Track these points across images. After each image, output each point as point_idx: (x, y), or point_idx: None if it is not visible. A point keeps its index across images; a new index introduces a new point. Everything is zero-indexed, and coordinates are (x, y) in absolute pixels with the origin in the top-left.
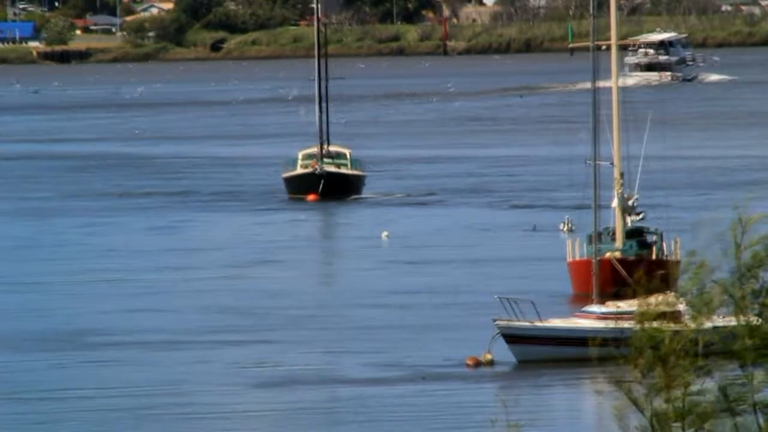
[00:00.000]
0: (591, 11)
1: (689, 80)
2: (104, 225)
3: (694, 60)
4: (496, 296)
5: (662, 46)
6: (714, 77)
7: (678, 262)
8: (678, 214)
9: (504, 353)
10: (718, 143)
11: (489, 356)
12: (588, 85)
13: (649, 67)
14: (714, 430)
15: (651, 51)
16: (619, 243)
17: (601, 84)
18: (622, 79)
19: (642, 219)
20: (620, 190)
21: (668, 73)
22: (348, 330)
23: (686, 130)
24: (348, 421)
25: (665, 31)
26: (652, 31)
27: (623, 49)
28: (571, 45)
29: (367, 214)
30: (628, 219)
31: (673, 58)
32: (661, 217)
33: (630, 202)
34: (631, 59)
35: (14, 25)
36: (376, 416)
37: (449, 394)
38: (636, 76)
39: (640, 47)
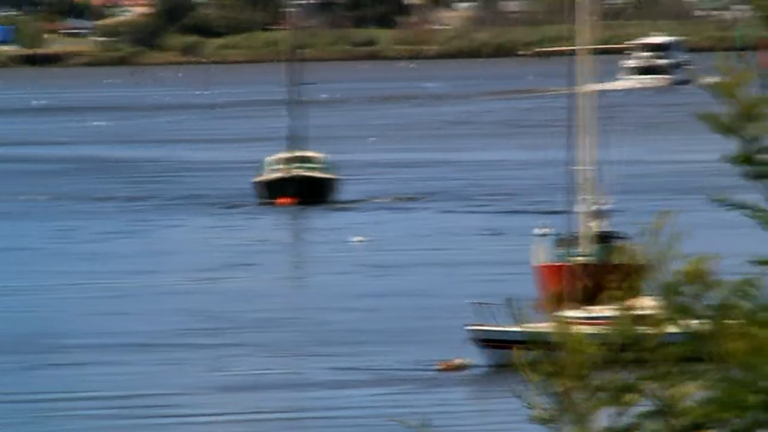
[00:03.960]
0: (568, 16)
1: (684, 83)
2: (73, 229)
3: (690, 63)
4: (470, 301)
5: (660, 49)
6: (709, 80)
7: (646, 267)
8: (648, 219)
9: (477, 357)
10: (700, 147)
11: (461, 360)
12: (581, 89)
13: (647, 71)
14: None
15: (648, 54)
16: (586, 248)
17: (590, 88)
18: (621, 82)
19: (605, 224)
20: (589, 195)
21: (667, 77)
22: (319, 333)
23: (674, 134)
24: (317, 426)
25: (662, 35)
26: (636, 36)
27: (619, 52)
28: (541, 49)
29: (340, 218)
30: (597, 224)
31: (671, 62)
32: (631, 222)
33: (599, 207)
34: (629, 62)
35: None
36: (344, 420)
37: (420, 398)
38: (633, 79)
39: (640, 51)
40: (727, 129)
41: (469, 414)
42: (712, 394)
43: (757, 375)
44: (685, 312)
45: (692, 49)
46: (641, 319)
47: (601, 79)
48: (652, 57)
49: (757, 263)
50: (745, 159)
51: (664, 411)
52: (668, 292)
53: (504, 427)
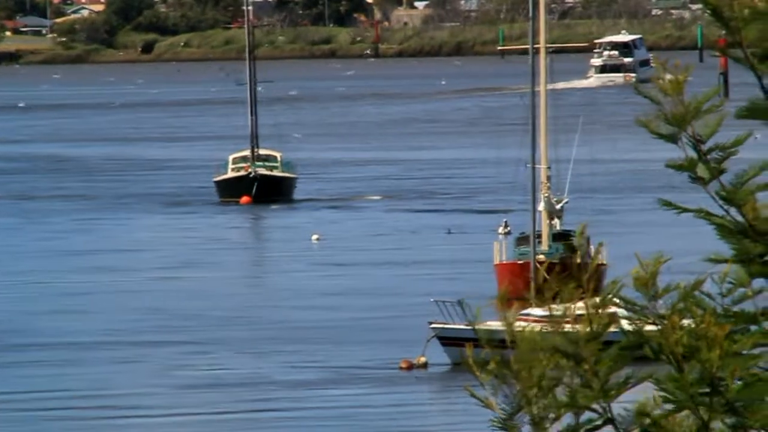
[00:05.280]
0: (529, 14)
1: (648, 81)
2: (31, 226)
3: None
4: (431, 299)
5: (626, 47)
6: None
7: (604, 266)
8: (606, 218)
9: (439, 356)
10: (662, 145)
11: (423, 359)
12: (551, 86)
13: (614, 69)
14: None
15: (615, 53)
16: (544, 246)
17: (560, 86)
18: (586, 80)
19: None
20: (547, 194)
21: (633, 75)
22: (279, 331)
23: (638, 132)
24: (277, 425)
25: (629, 33)
26: (597, 35)
27: (584, 50)
28: (500, 47)
29: (300, 217)
30: (555, 222)
31: (637, 60)
32: (590, 221)
33: (558, 206)
34: (593, 61)
35: None
36: (304, 419)
37: (382, 397)
38: (597, 77)
39: (605, 49)
40: (665, 137)
41: (431, 413)
42: (662, 392)
43: (698, 360)
44: (634, 315)
45: (651, 48)
46: (588, 321)
47: (565, 78)
48: (616, 55)
49: (709, 261)
50: (688, 165)
51: (613, 420)
52: (615, 294)
53: (466, 426)
